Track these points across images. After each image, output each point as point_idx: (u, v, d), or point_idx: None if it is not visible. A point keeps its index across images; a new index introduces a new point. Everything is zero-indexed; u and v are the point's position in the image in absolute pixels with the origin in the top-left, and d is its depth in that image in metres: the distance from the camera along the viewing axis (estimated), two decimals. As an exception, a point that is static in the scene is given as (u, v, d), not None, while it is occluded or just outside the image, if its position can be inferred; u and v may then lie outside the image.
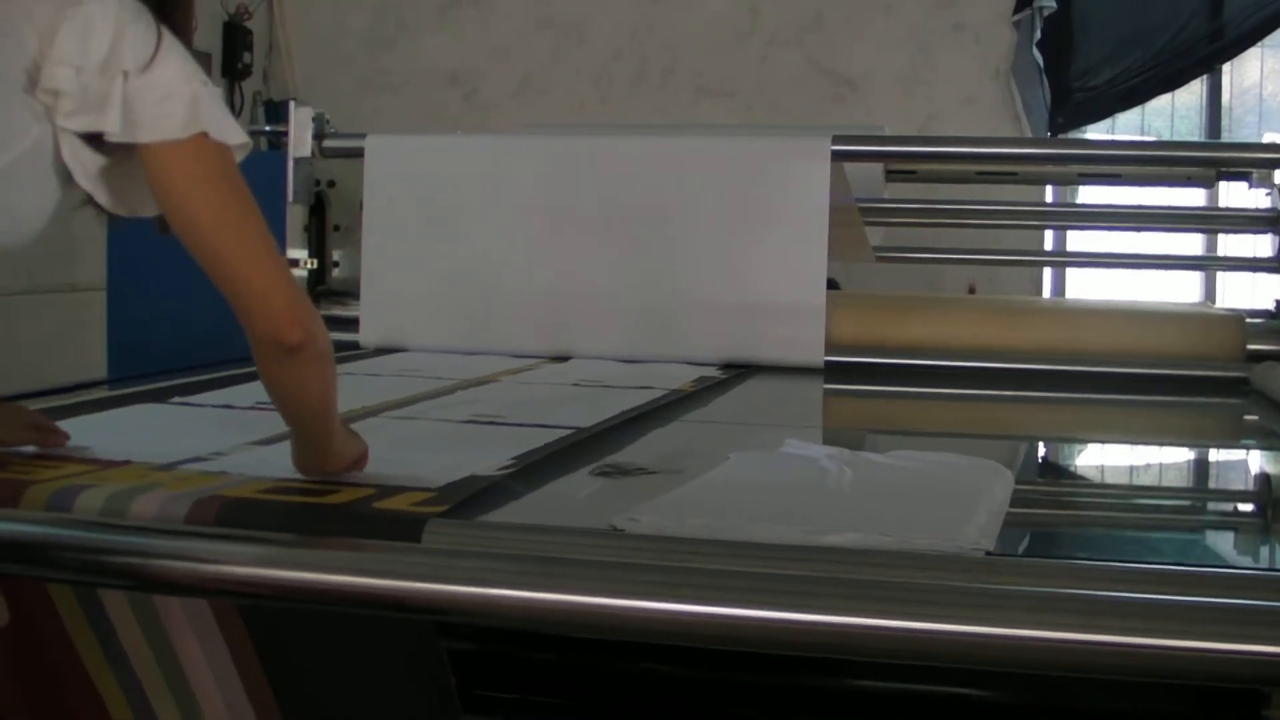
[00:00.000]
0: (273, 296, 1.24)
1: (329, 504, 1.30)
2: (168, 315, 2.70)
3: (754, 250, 2.64)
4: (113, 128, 1.23)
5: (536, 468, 1.53)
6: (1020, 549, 1.37)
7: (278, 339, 1.24)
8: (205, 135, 1.24)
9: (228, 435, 1.65)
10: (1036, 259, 4.21)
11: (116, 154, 1.27)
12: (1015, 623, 1.03)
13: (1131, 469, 2.02)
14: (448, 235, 2.79)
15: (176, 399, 1.98)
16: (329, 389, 1.32)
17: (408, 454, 1.59)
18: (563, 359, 2.68)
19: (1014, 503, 1.42)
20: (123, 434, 1.68)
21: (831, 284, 3.30)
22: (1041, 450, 2.10)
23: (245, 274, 1.23)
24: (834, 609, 1.06)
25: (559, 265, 2.73)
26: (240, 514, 1.26)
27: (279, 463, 1.43)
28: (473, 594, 1.11)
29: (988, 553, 1.18)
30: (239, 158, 1.28)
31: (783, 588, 1.08)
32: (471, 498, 1.35)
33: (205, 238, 1.23)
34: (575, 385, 2.32)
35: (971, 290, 4.16)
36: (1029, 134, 4.64)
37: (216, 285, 1.24)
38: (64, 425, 1.55)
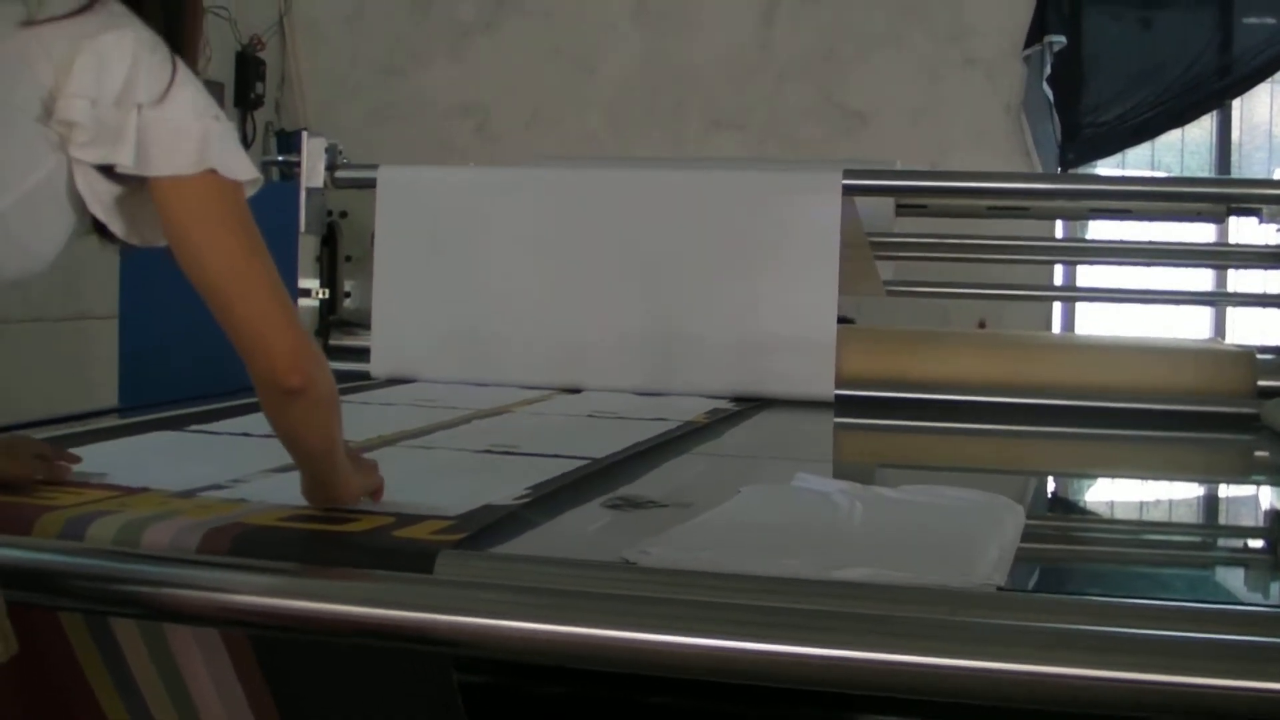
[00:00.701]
0: (274, 339, 1.24)
1: (348, 532, 1.31)
2: (180, 343, 2.70)
3: (765, 283, 2.64)
4: (126, 160, 1.24)
5: (551, 498, 1.53)
6: (1032, 585, 1.37)
7: (277, 382, 1.25)
8: (214, 172, 1.25)
9: (246, 462, 1.66)
10: (1046, 294, 4.21)
11: (130, 184, 1.28)
12: (1027, 659, 1.03)
13: (1142, 504, 2.02)
14: (459, 266, 2.80)
15: (194, 426, 1.99)
16: (331, 431, 1.33)
17: (425, 483, 1.60)
18: (574, 391, 2.68)
19: (1025, 538, 1.41)
20: (141, 461, 1.68)
21: (846, 320, 3.32)
22: (1052, 485, 2.09)
23: (248, 314, 1.24)
24: (845, 644, 1.06)
25: (571, 297, 2.74)
26: (259, 542, 1.26)
27: (298, 490, 1.45)
28: (484, 626, 1.11)
29: (999, 588, 1.18)
30: (249, 193, 1.29)
31: (793, 622, 1.09)
32: (488, 526, 1.35)
33: (210, 275, 1.24)
34: (590, 417, 2.33)
35: (981, 325, 4.16)
36: (1039, 169, 4.65)
37: (220, 323, 1.24)
38: (80, 453, 1.56)
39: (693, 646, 1.07)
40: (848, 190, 2.64)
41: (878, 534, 1.39)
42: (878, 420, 2.55)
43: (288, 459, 1.66)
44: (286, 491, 1.46)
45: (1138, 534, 1.76)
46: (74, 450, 1.56)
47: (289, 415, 1.28)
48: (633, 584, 1.17)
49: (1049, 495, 2.01)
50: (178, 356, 2.67)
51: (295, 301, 2.79)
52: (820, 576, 1.18)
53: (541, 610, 1.10)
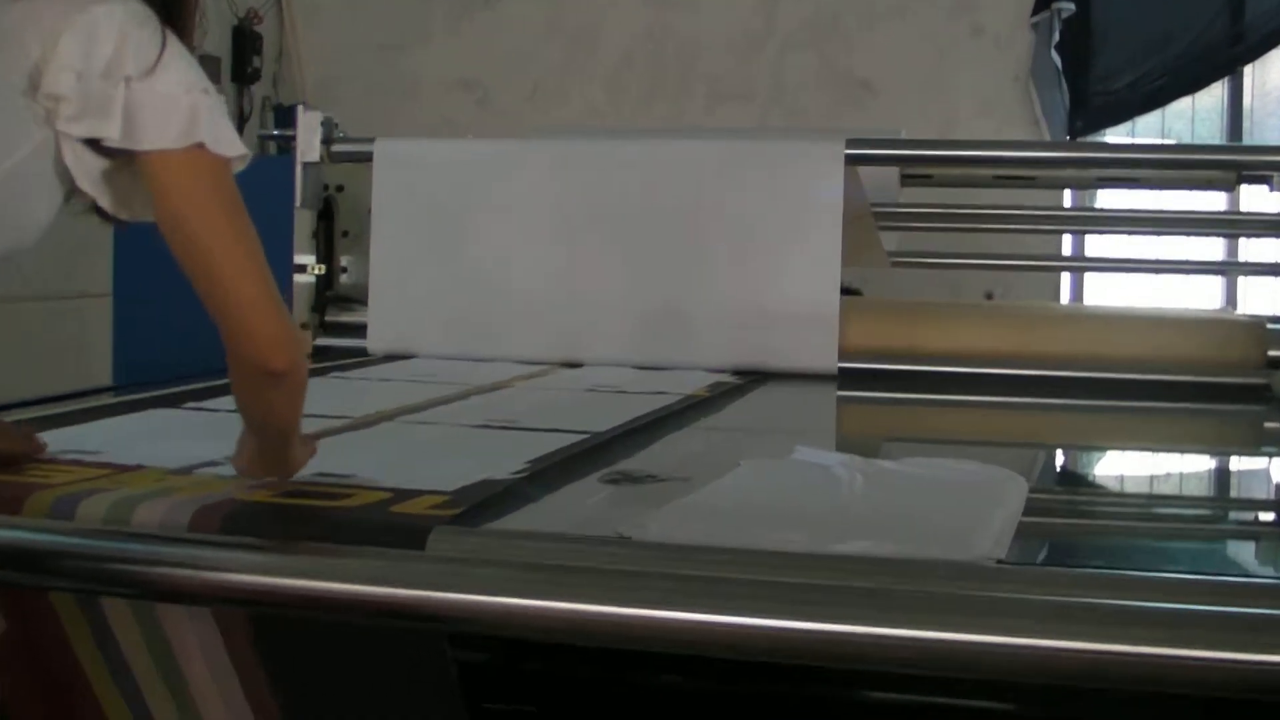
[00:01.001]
0: (261, 321, 1.24)
1: (342, 508, 1.31)
2: (176, 322, 2.68)
3: (767, 255, 2.64)
4: (113, 134, 1.24)
5: (549, 473, 1.53)
6: (1034, 558, 1.36)
7: (261, 365, 1.25)
8: (202, 146, 1.24)
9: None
10: (1055, 264, 4.20)
11: (119, 158, 1.28)
12: (1028, 632, 1.03)
13: (1150, 477, 2.01)
14: (457, 240, 2.79)
15: (190, 404, 2.00)
16: (299, 411, 1.34)
17: (423, 457, 1.60)
18: (574, 365, 2.68)
19: (1029, 511, 1.41)
20: (136, 439, 1.69)
21: (853, 292, 3.32)
22: (1059, 458, 2.09)
23: (234, 294, 1.23)
24: (844, 618, 1.06)
25: (570, 271, 2.74)
26: (251, 519, 1.26)
27: (311, 464, 1.45)
28: (479, 602, 1.11)
29: (1000, 561, 1.17)
30: (238, 169, 1.29)
31: (792, 596, 1.08)
32: (485, 501, 1.35)
33: (195, 252, 1.23)
34: (589, 391, 2.33)
35: (989, 296, 4.15)
36: (1048, 138, 4.64)
37: (203, 302, 1.24)
38: (75, 431, 1.56)
39: (688, 622, 1.06)
40: (851, 160, 2.63)
41: (878, 507, 1.39)
42: (881, 393, 2.55)
43: None
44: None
45: (1145, 507, 1.75)
46: (69, 429, 1.56)
47: (266, 396, 1.28)
48: (628, 559, 1.17)
49: (1055, 468, 2.01)
50: (173, 334, 2.66)
51: (291, 277, 2.79)
52: (819, 550, 1.18)
53: (535, 586, 1.10)
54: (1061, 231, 4.11)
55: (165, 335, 2.71)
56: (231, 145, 1.27)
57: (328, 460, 1.48)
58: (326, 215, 2.92)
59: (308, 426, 1.81)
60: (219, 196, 1.25)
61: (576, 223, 2.76)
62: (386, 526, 1.25)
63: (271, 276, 1.26)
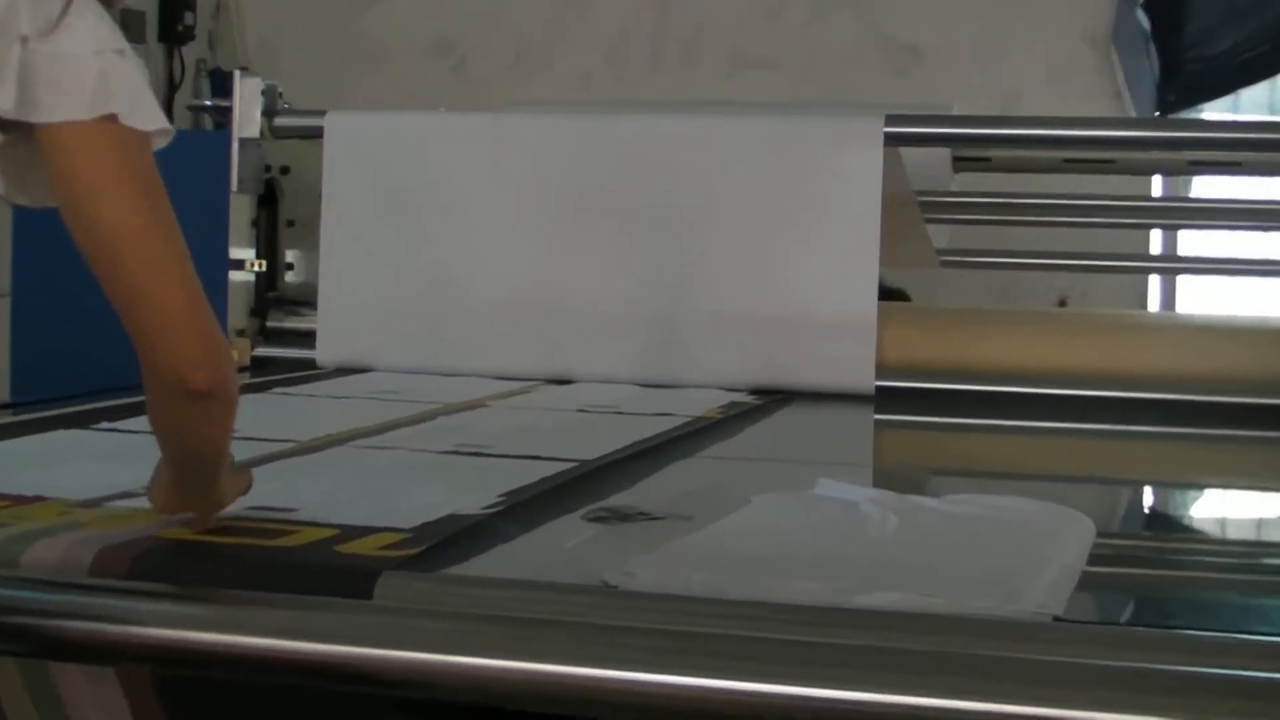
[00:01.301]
0: (178, 330, 1.24)
1: (280, 548, 1.32)
2: (86, 327, 2.70)
3: (792, 253, 2.65)
4: (5, 104, 1.24)
5: (526, 508, 1.55)
6: (1098, 614, 1.36)
7: (179, 382, 1.24)
8: (114, 118, 1.25)
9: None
10: (1140, 265, 4.20)
11: (14, 132, 1.28)
12: (1088, 703, 1.03)
13: (1243, 521, 2.01)
14: (425, 233, 2.81)
15: (102, 424, 2.01)
16: (228, 434, 1.34)
17: (379, 489, 1.62)
18: (562, 382, 2.69)
19: (1094, 559, 1.41)
20: (37, 465, 1.70)
21: (898, 294, 3.32)
22: (1135, 496, 2.09)
23: (146, 298, 1.23)
24: (867, 683, 1.06)
25: (559, 270, 2.75)
26: (168, 560, 1.27)
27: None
28: (431, 662, 1.12)
29: (1056, 618, 1.17)
30: (158, 145, 1.29)
31: (807, 658, 1.09)
32: (449, 540, 1.36)
33: (102, 246, 1.23)
34: (579, 412, 2.34)
35: (1061, 303, 4.16)
36: (1132, 113, 4.64)
37: (113, 304, 1.24)
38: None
39: (681, 688, 1.07)
40: (891, 139, 2.63)
41: (912, 552, 1.39)
42: (927, 417, 2.56)
43: None
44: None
45: (1235, 556, 1.75)
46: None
47: (185, 416, 1.28)
48: (612, 611, 1.17)
49: (1131, 508, 2.02)
50: (82, 341, 2.67)
51: (225, 275, 2.80)
52: (839, 603, 1.18)
53: (499, 642, 1.10)
54: (1148, 226, 4.12)
55: (73, 342, 2.72)
56: (150, 117, 1.27)
57: (265, 491, 1.49)
58: (269, 201, 2.93)
59: (243, 451, 1.82)
60: (132, 179, 1.25)
61: (567, 213, 2.76)
62: (330, 570, 1.26)
63: (194, 275, 1.26)
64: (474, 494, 1.55)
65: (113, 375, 2.41)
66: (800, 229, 2.65)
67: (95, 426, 2.00)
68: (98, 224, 1.23)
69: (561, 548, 1.44)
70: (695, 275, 2.69)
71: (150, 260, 1.23)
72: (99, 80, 1.25)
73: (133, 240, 1.23)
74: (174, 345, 1.23)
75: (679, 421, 2.21)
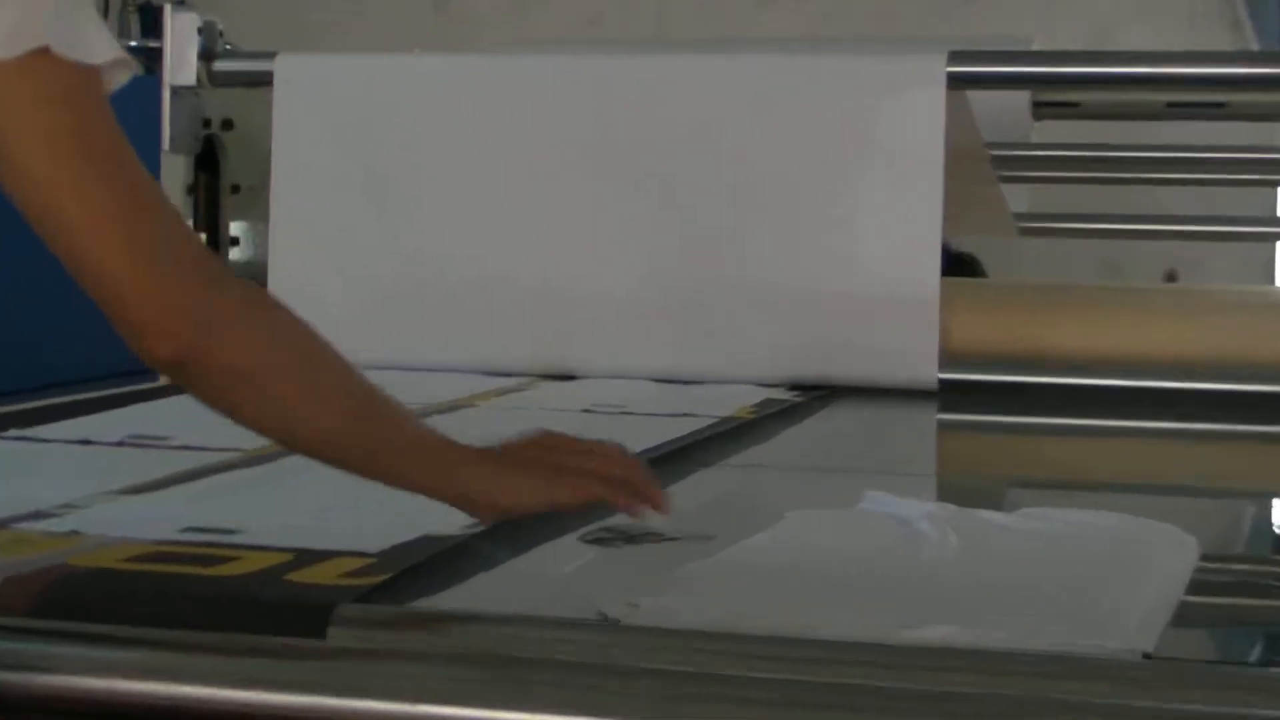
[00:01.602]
0: (132, 286, 1.24)
1: (221, 577, 1.32)
2: (3, 314, 2.71)
3: (837, 220, 2.65)
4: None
5: (516, 527, 1.54)
6: (1198, 652, 1.37)
7: (143, 349, 1.26)
8: (47, 52, 1.25)
9: (85, 481, 1.68)
10: (1266, 230, 4.18)
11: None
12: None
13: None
14: (400, 201, 2.81)
15: (13, 432, 2.03)
16: (289, 411, 1.35)
17: (341, 505, 1.60)
18: (566, 378, 2.70)
19: (1196, 586, 1.41)
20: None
21: (968, 263, 3.32)
22: (1249, 510, 2.08)
23: (94, 251, 1.24)
24: (918, 733, 1.06)
25: (562, 243, 2.76)
26: (87, 592, 1.27)
27: (158, 516, 1.47)
28: (397, 713, 1.12)
29: (1147, 655, 1.18)
30: (115, 83, 1.29)
31: (847, 703, 1.09)
32: (422, 567, 1.37)
33: (41, 197, 1.24)
34: (584, 413, 2.36)
35: (1170, 277, 4.14)
36: (1254, 46, 4.62)
37: (64, 264, 1.26)
38: None
39: (694, 740, 1.07)
40: (957, 81, 2.64)
41: (975, 577, 1.39)
42: (1001, 415, 2.56)
43: (147, 475, 1.72)
44: (142, 520, 1.49)
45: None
46: None
47: (201, 396, 1.32)
48: (612, 650, 1.17)
49: (1243, 525, 2.01)
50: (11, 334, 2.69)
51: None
52: (885, 639, 1.18)
53: (478, 688, 1.10)
54: (1275, 183, 4.10)
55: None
56: (98, 48, 1.26)
57: (204, 510, 1.50)
58: (208, 163, 2.94)
59: (175, 462, 1.86)
60: (73, 118, 1.25)
61: (571, 175, 2.77)
62: (278, 603, 1.26)
63: (159, 226, 1.27)
64: (454, 511, 1.56)
65: (31, 371, 2.44)
66: (847, 191, 2.65)
67: (5, 435, 2.01)
68: (29, 170, 1.24)
69: (555, 575, 1.45)
70: (722, 247, 2.69)
71: (90, 209, 1.24)
72: (23, 8, 1.24)
73: (69, 186, 1.23)
74: (123, 312, 1.25)
75: (702, 423, 2.22)
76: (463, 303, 2.77)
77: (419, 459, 1.42)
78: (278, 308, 1.38)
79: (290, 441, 1.40)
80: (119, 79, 1.28)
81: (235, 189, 2.99)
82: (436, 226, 2.80)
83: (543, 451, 1.47)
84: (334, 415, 1.37)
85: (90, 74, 1.26)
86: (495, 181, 2.79)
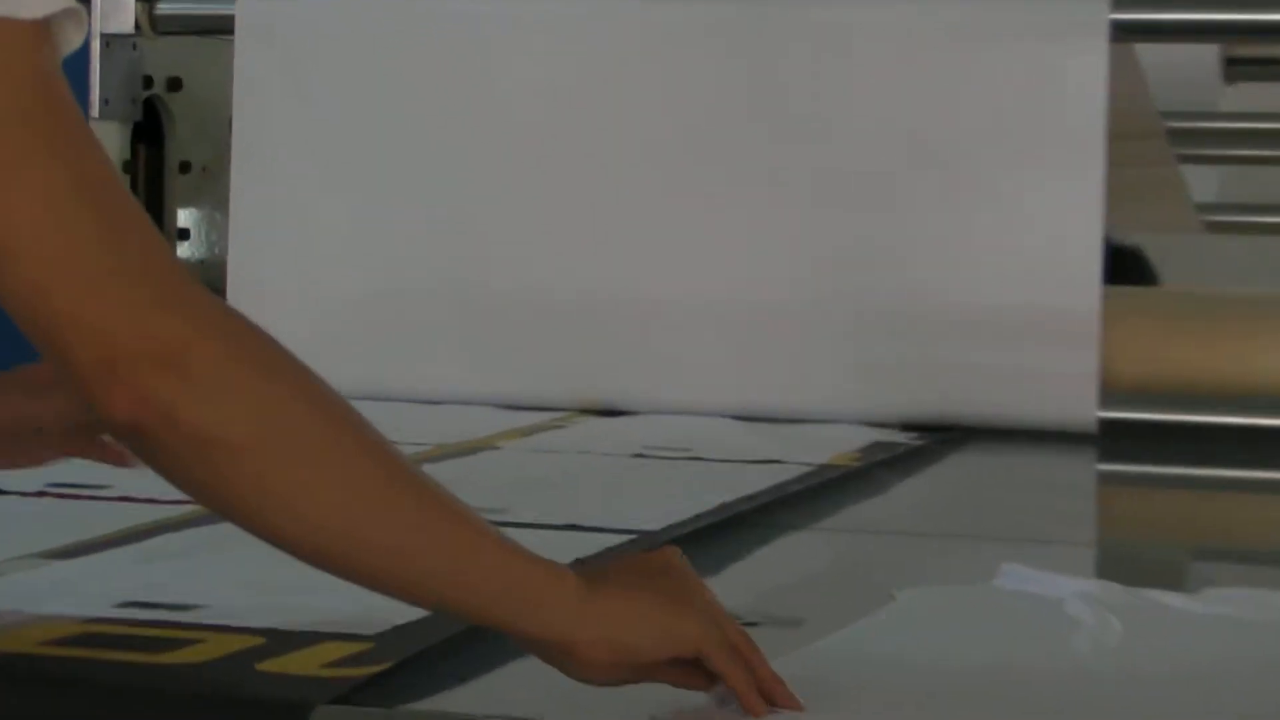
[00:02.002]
0: (78, 312, 1.23)
1: (173, 666, 1.33)
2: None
3: (963, 213, 2.68)
4: None
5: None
6: None
7: (94, 402, 1.23)
8: None
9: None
10: None
11: None
12: None
13: None
14: (396, 185, 2.84)
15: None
16: (300, 502, 1.25)
17: (331, 577, 1.61)
18: (610, 413, 2.73)
19: None
20: None
21: (1132, 258, 3.32)
22: None
23: (33, 270, 1.24)
24: None
25: (613, 240, 2.79)
26: (8, 688, 1.29)
27: (91, 587, 1.49)
28: None
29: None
30: (67, 44, 1.30)
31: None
32: (433, 655, 1.38)
33: None
34: (637, 457, 2.38)
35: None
36: None
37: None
38: None
39: None
40: (1123, 31, 2.66)
41: (1145, 675, 1.40)
42: (1178, 467, 2.58)
43: (79, 532, 1.76)
44: (68, 592, 1.50)
45: None
46: None
47: (172, 476, 1.23)
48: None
49: None
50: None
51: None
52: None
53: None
54: None
55: None
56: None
57: (155, 577, 1.52)
58: (149, 132, 2.95)
59: (124, 517, 1.87)
60: (12, 97, 1.27)
61: (629, 149, 2.80)
62: (246, 703, 1.27)
63: (132, 235, 1.25)
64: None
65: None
66: (982, 172, 2.68)
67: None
68: None
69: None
70: (819, 249, 2.72)
71: (36, 225, 1.24)
72: None
73: (9, 198, 1.25)
74: (65, 349, 1.22)
75: (791, 473, 2.23)
76: (480, 315, 2.79)
77: (503, 590, 1.27)
78: (284, 354, 1.24)
79: (302, 546, 1.26)
80: (71, 38, 1.30)
81: (184, 167, 3.00)
82: (447, 217, 2.83)
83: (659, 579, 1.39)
84: (369, 514, 1.29)
85: (32, 30, 1.28)
86: (526, 158, 2.81)
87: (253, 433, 1.19)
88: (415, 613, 1.43)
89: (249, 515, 1.22)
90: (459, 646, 1.41)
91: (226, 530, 1.79)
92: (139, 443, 1.19)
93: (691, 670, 1.25)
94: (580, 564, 1.35)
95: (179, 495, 1.84)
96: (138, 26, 2.90)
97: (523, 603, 1.24)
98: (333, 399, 1.23)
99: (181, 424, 1.17)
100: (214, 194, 2.95)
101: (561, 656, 1.25)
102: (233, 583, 1.58)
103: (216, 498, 1.22)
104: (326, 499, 1.21)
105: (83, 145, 1.23)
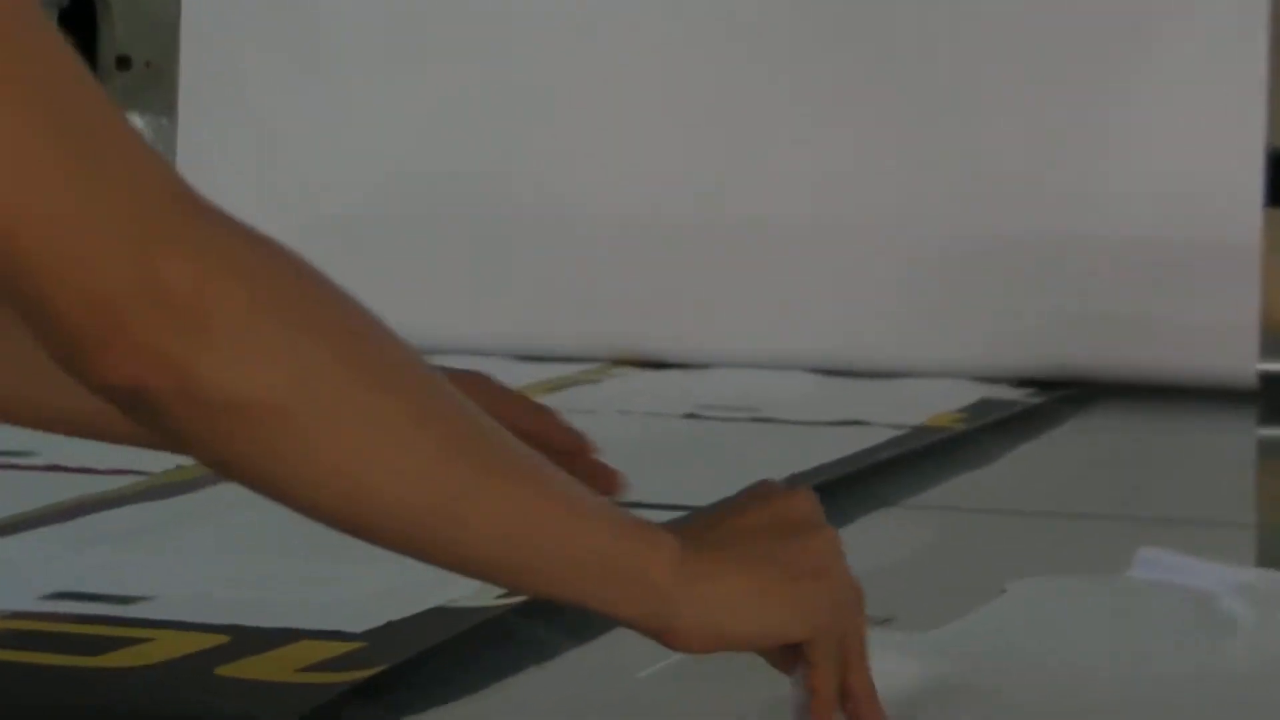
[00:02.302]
0: (63, 260, 1.24)
1: (114, 671, 1.35)
2: None
3: (1096, 122, 2.70)
4: None
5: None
6: None
7: (87, 368, 1.22)
8: None
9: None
10: None
11: None
12: None
13: None
14: (381, 74, 2.87)
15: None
16: (357, 470, 1.27)
17: (300, 558, 1.63)
18: (655, 365, 2.73)
19: None
20: None
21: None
22: None
23: (9, 223, 1.25)
24: None
25: (657, 145, 2.83)
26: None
27: (16, 575, 1.51)
28: None
29: None
30: None
31: None
32: (436, 655, 1.39)
33: None
34: (688, 418, 2.43)
35: None
36: None
37: None
38: None
39: None
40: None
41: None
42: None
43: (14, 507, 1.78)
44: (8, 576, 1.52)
45: None
46: None
47: (178, 441, 1.23)
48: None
49: None
50: None
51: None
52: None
53: None
54: None
55: None
56: None
57: (90, 565, 1.54)
58: (81, 26, 2.96)
59: (50, 491, 1.88)
60: None
61: (691, 52, 2.83)
62: (206, 714, 1.29)
63: (117, 155, 1.25)
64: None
65: None
66: (1113, 71, 2.70)
67: None
68: None
69: (633, 676, 1.48)
70: (918, 167, 2.76)
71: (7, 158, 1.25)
72: None
73: None
74: (41, 304, 1.22)
75: (880, 437, 2.26)
76: (492, 241, 2.84)
77: (579, 563, 1.25)
78: (322, 289, 1.27)
79: (358, 524, 1.22)
80: None
81: (123, 63, 3.02)
82: (450, 116, 2.86)
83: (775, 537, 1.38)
84: (420, 477, 1.28)
85: None
86: (560, 38, 2.85)
87: (289, 393, 1.15)
88: (415, 605, 1.45)
89: (285, 487, 1.20)
90: (467, 647, 1.43)
91: (180, 506, 1.83)
92: (141, 409, 1.14)
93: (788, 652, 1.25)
94: (690, 520, 1.29)
95: (121, 463, 1.88)
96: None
97: (604, 579, 1.24)
98: (381, 340, 1.18)
99: (202, 388, 1.12)
100: (159, 96, 2.96)
101: (653, 636, 1.24)
102: (188, 568, 1.60)
103: (243, 470, 1.18)
104: (376, 463, 1.19)
105: (47, 49, 1.24)
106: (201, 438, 1.14)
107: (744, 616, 1.23)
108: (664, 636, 1.22)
